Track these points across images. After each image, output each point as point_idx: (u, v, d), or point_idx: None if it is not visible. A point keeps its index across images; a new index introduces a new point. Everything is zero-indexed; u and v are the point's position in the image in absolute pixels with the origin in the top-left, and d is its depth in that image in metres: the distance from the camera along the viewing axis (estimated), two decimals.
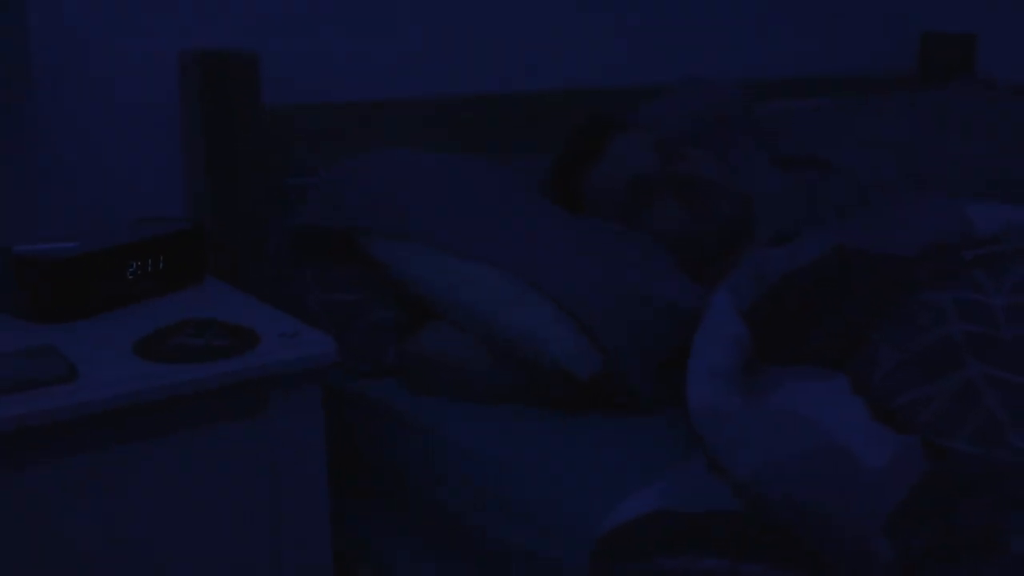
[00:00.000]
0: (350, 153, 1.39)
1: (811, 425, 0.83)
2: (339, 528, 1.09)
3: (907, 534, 0.75)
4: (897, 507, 0.75)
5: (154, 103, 1.31)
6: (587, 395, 1.08)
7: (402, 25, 1.50)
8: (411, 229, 1.15)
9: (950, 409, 0.92)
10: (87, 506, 0.89)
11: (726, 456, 0.84)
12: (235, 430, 0.96)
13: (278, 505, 0.98)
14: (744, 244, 1.33)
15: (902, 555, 0.74)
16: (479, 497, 0.97)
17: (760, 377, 1.01)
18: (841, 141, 1.65)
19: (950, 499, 0.77)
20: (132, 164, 1.31)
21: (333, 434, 1.07)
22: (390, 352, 1.16)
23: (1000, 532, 0.76)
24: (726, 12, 1.88)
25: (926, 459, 0.82)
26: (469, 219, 1.17)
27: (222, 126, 1.27)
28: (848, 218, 1.16)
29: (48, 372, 0.87)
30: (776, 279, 1.09)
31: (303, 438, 1.00)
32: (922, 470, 0.79)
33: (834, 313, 1.06)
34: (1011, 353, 0.93)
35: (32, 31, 1.21)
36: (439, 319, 1.13)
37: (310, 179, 1.32)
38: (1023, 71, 1.98)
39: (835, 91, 1.92)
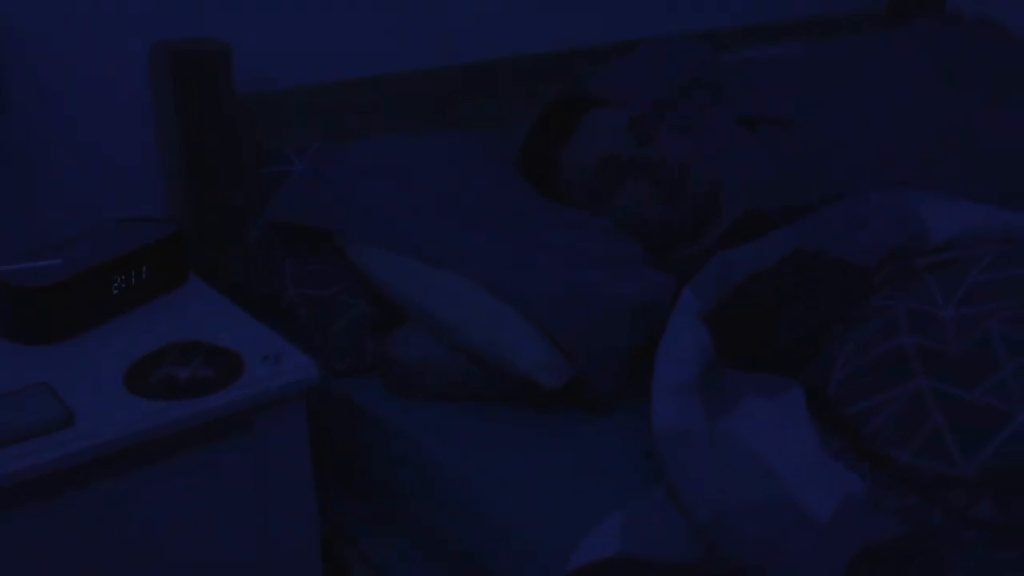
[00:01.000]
0: (325, 136, 1.41)
1: (764, 470, 0.89)
2: (331, 525, 1.16)
3: None
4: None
5: (129, 96, 1.32)
6: (557, 395, 1.14)
7: (367, 3, 1.48)
8: (381, 234, 1.19)
9: (898, 421, 0.99)
10: (82, 536, 0.95)
11: (686, 493, 0.90)
12: (222, 451, 1.02)
13: (266, 519, 1.05)
14: (711, 223, 1.37)
15: None
16: (455, 512, 1.04)
17: (721, 385, 1.07)
18: (805, 93, 1.67)
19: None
20: (109, 158, 1.33)
21: (316, 431, 1.13)
22: (368, 350, 1.21)
23: None
24: None
25: (867, 509, 0.89)
26: (438, 222, 1.20)
27: (195, 120, 1.28)
28: (809, 215, 1.19)
29: (45, 419, 0.92)
30: (739, 281, 1.14)
31: (288, 453, 1.06)
32: (863, 536, 0.85)
33: (793, 316, 1.11)
34: (958, 368, 0.98)
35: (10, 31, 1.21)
36: (414, 322, 1.18)
37: (285, 168, 1.34)
38: (995, 4, 1.97)
39: (803, 34, 1.92)
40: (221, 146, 1.30)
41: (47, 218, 1.28)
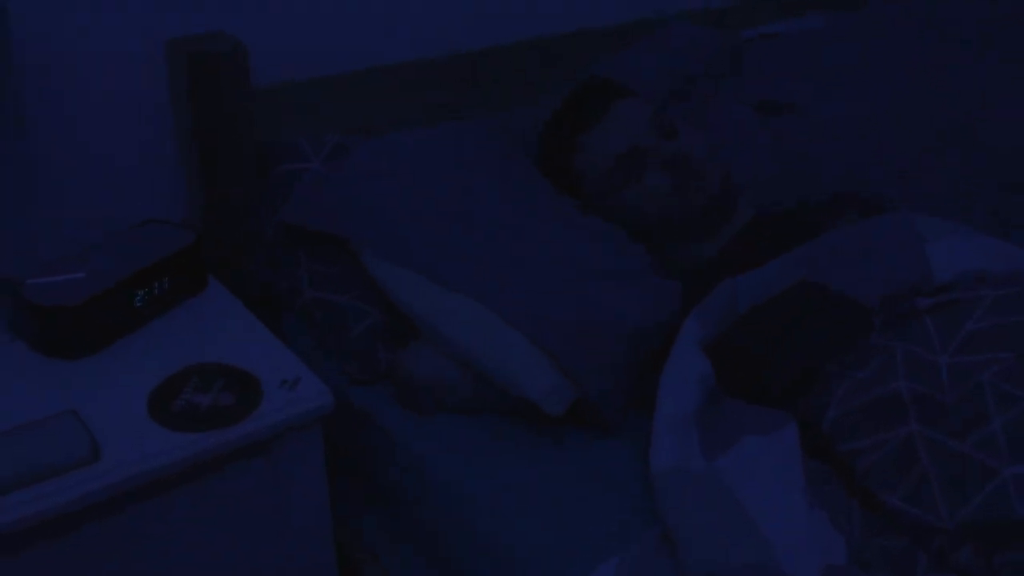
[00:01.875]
0: (342, 127, 1.42)
1: (755, 529, 0.94)
2: (348, 531, 1.22)
3: None
4: None
5: (146, 93, 1.32)
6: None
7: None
8: (391, 248, 1.21)
9: (889, 464, 1.03)
10: (100, 560, 1.01)
11: (680, 543, 0.95)
12: (240, 475, 1.07)
13: (283, 541, 1.11)
14: (724, 222, 1.38)
15: None
16: (461, 529, 1.09)
17: (721, 416, 1.11)
18: (811, 77, 1.67)
19: None
20: (128, 156, 1.34)
21: (334, 435, 1.18)
22: (381, 359, 1.25)
23: None
24: None
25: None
26: (446, 237, 1.22)
27: (210, 119, 1.29)
28: (816, 241, 1.21)
29: (72, 454, 0.97)
30: (743, 310, 1.16)
31: (305, 476, 1.11)
32: None
33: (795, 348, 1.14)
34: (951, 417, 1.02)
35: (13, 31, 1.21)
36: (425, 337, 1.21)
37: (302, 164, 1.35)
38: None
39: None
40: (236, 145, 1.31)
41: (54, 218, 1.30)
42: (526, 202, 1.33)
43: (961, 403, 1.02)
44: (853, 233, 1.22)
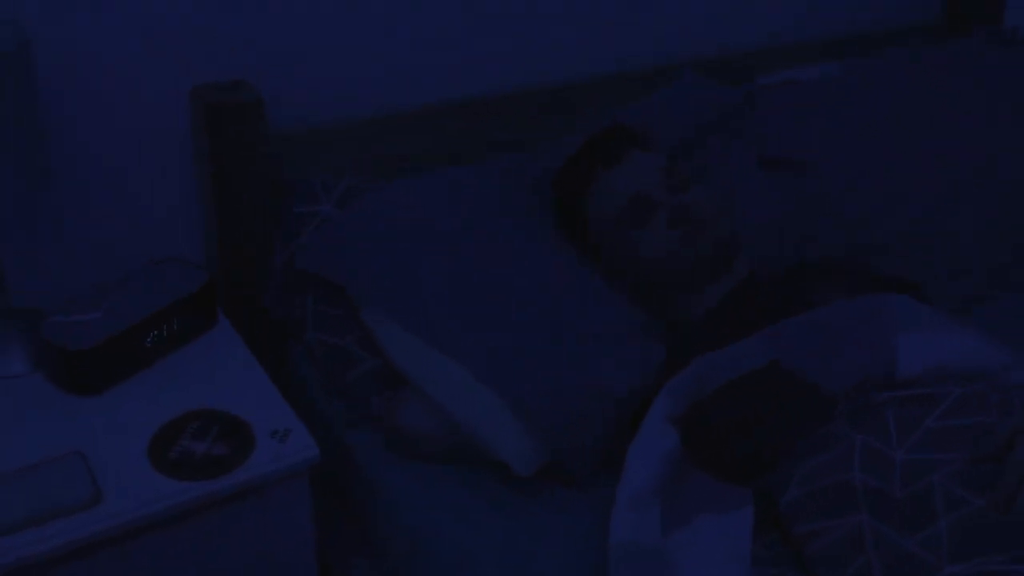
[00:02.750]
0: (358, 170, 1.49)
1: None
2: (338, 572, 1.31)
3: None
4: None
5: (170, 136, 1.40)
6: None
7: (389, 45, 1.53)
8: (386, 304, 1.28)
9: (837, 550, 1.08)
10: None
11: None
12: (232, 517, 1.16)
13: (274, 564, 1.20)
14: (722, 276, 1.43)
15: None
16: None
17: (684, 490, 1.17)
18: (825, 126, 1.69)
19: None
20: (151, 193, 1.42)
21: (328, 479, 1.27)
22: (373, 403, 1.32)
23: None
24: None
25: None
26: (439, 299, 1.28)
27: (228, 164, 1.37)
28: (791, 321, 1.25)
29: (75, 497, 1.06)
30: (715, 387, 1.22)
31: (291, 521, 1.20)
32: None
33: (762, 429, 1.19)
34: (900, 512, 1.07)
35: (41, 79, 1.29)
36: (407, 389, 1.29)
37: (313, 208, 1.42)
38: None
39: (858, 50, 1.91)
40: (251, 188, 1.39)
41: (79, 252, 1.39)
42: (523, 255, 1.39)
43: (911, 500, 1.07)
44: (828, 317, 1.25)
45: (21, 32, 1.12)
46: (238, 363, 1.29)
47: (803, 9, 1.93)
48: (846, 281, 1.40)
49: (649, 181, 1.39)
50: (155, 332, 1.26)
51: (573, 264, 1.42)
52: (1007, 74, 1.84)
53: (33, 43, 1.24)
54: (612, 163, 1.42)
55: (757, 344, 1.24)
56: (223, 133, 1.34)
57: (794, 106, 1.73)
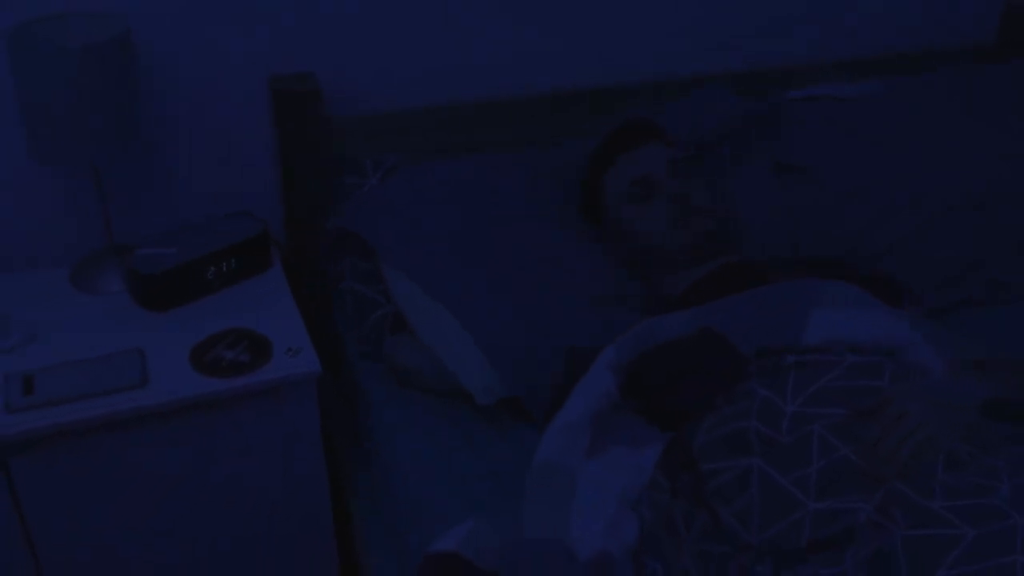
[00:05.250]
0: (396, 152, 1.77)
1: (566, 518, 1.21)
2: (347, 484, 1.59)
3: None
4: None
5: (252, 115, 1.73)
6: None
7: (437, 43, 1.80)
8: (398, 259, 1.55)
9: (730, 486, 1.26)
10: (150, 459, 1.44)
11: (524, 517, 1.24)
12: (257, 411, 1.46)
13: (289, 463, 1.49)
14: (710, 258, 1.62)
15: None
16: (392, 478, 1.43)
17: (614, 425, 1.37)
18: (841, 139, 1.84)
19: None
20: (234, 160, 1.75)
21: (345, 396, 1.55)
22: (385, 342, 1.60)
23: None
24: None
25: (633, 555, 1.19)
26: (443, 258, 1.54)
27: (290, 140, 1.67)
28: (734, 297, 1.43)
29: (126, 380, 1.38)
30: (652, 345, 1.42)
31: (304, 417, 1.49)
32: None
33: (690, 382, 1.38)
34: (783, 456, 1.24)
35: (144, 67, 1.64)
36: (407, 332, 1.55)
37: (360, 180, 1.71)
38: None
39: (909, 68, 2.03)
40: (309, 161, 1.69)
41: (173, 204, 1.74)
42: (529, 230, 1.63)
43: (794, 446, 1.24)
44: (765, 293, 1.43)
45: (123, 23, 1.46)
46: (277, 298, 1.60)
47: (857, 27, 2.07)
48: (806, 271, 1.55)
49: (657, 167, 1.60)
50: (214, 267, 1.58)
51: (575, 242, 1.65)
52: None
53: (134, 33, 1.58)
54: (630, 149, 1.64)
55: (697, 312, 1.43)
56: (286, 116, 1.65)
57: (816, 118, 1.89)
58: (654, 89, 1.92)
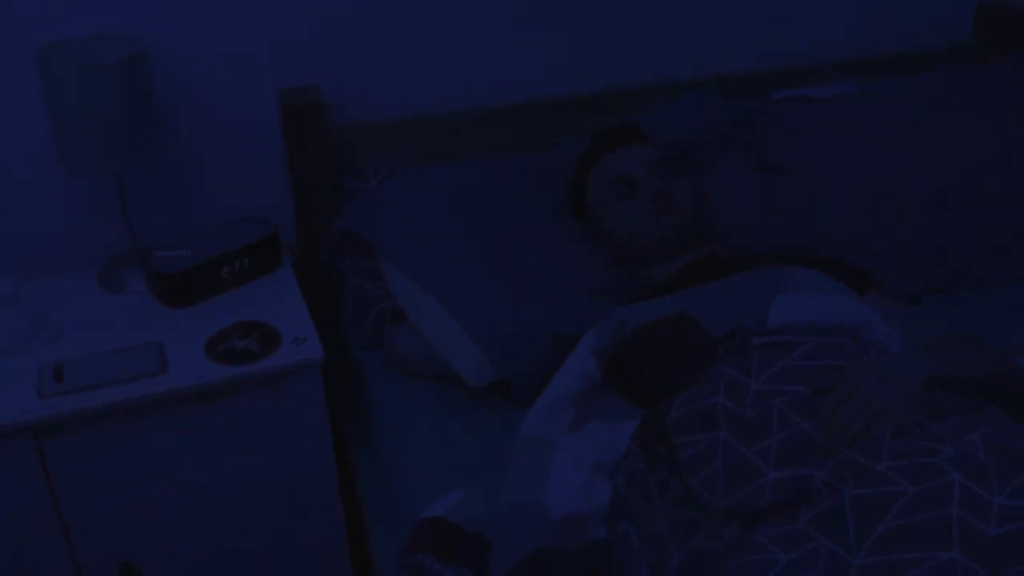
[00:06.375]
0: (393, 158, 1.89)
1: (542, 484, 1.32)
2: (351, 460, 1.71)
3: None
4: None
5: (262, 124, 1.86)
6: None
7: (438, 54, 1.93)
8: (395, 257, 1.68)
9: (700, 458, 1.37)
10: (167, 443, 1.56)
11: (506, 484, 1.35)
12: (268, 396, 1.58)
13: (294, 453, 1.62)
14: (687, 250, 1.73)
15: None
16: (393, 466, 1.54)
17: (594, 405, 1.48)
18: (817, 138, 1.95)
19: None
20: (246, 167, 1.89)
21: (348, 384, 1.67)
22: (385, 333, 1.72)
23: None
24: None
25: (602, 518, 1.30)
26: (435, 255, 1.66)
27: (297, 148, 1.80)
28: (707, 285, 1.54)
29: (146, 368, 1.51)
30: (630, 328, 1.52)
31: (309, 404, 1.61)
32: (580, 535, 1.27)
33: (666, 364, 1.49)
34: (747, 429, 1.34)
35: (161, 83, 1.77)
36: (404, 321, 1.67)
37: (361, 184, 1.84)
38: None
39: (889, 70, 2.13)
40: (314, 167, 1.82)
41: (189, 212, 1.88)
42: (517, 228, 1.75)
43: (756, 420, 1.34)
44: (737, 280, 1.54)
45: (140, 43, 1.60)
46: (286, 294, 1.73)
47: (839, 31, 2.19)
48: (800, 264, 1.65)
49: (638, 166, 1.72)
50: (228, 267, 1.71)
51: (561, 239, 1.76)
52: (1007, 98, 2.02)
53: (153, 52, 1.72)
54: (613, 149, 1.76)
55: (672, 299, 1.54)
56: (294, 127, 1.78)
57: (793, 119, 2.00)
58: (646, 94, 2.03)
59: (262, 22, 1.78)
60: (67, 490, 1.53)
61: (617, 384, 1.52)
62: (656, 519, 1.34)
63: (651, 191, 1.70)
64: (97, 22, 1.68)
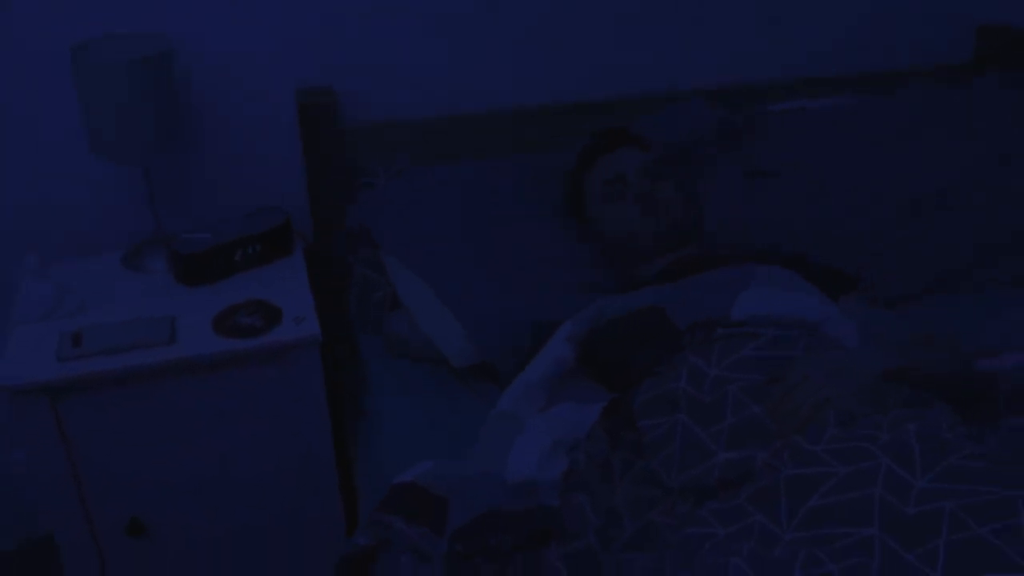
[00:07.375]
0: (403, 156, 2.01)
1: (504, 456, 1.42)
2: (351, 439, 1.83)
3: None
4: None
5: (282, 122, 2.00)
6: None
7: (444, 60, 2.05)
8: (395, 249, 1.79)
9: (660, 439, 1.45)
10: (176, 408, 1.69)
11: (473, 454, 1.45)
12: (269, 369, 1.70)
13: (295, 424, 1.74)
14: (675, 249, 1.81)
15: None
16: (381, 442, 1.65)
17: (565, 388, 1.57)
18: (805, 148, 2.02)
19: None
20: (268, 161, 2.02)
21: (350, 365, 1.79)
22: (384, 319, 1.83)
23: None
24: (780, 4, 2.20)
25: (557, 488, 1.39)
26: (432, 248, 1.78)
27: (313, 144, 1.93)
28: (684, 280, 1.62)
29: (157, 338, 1.64)
30: (607, 318, 1.61)
31: (307, 379, 1.73)
32: (536, 500, 1.36)
33: (638, 352, 1.57)
34: (704, 412, 1.42)
35: (184, 80, 1.91)
36: (402, 308, 1.79)
37: (372, 180, 1.96)
38: None
39: (883, 87, 2.20)
40: (328, 164, 1.94)
41: (212, 202, 2.02)
42: (512, 224, 1.85)
43: (712, 404, 1.42)
44: (710, 277, 1.62)
45: (166, 42, 1.74)
46: (293, 278, 1.86)
47: (839, 48, 2.26)
48: (757, 261, 1.73)
49: (630, 168, 1.81)
50: (241, 250, 1.84)
51: (558, 238, 1.86)
52: (1002, 116, 2.07)
53: (178, 50, 1.86)
54: (607, 152, 1.85)
55: (645, 293, 1.62)
56: (309, 126, 1.91)
57: (785, 128, 2.07)
58: (646, 103, 2.12)
59: (279, 23, 1.92)
60: (82, 450, 1.67)
61: (590, 371, 1.61)
62: (616, 496, 1.42)
63: (641, 193, 1.78)
64: (127, 22, 1.83)
